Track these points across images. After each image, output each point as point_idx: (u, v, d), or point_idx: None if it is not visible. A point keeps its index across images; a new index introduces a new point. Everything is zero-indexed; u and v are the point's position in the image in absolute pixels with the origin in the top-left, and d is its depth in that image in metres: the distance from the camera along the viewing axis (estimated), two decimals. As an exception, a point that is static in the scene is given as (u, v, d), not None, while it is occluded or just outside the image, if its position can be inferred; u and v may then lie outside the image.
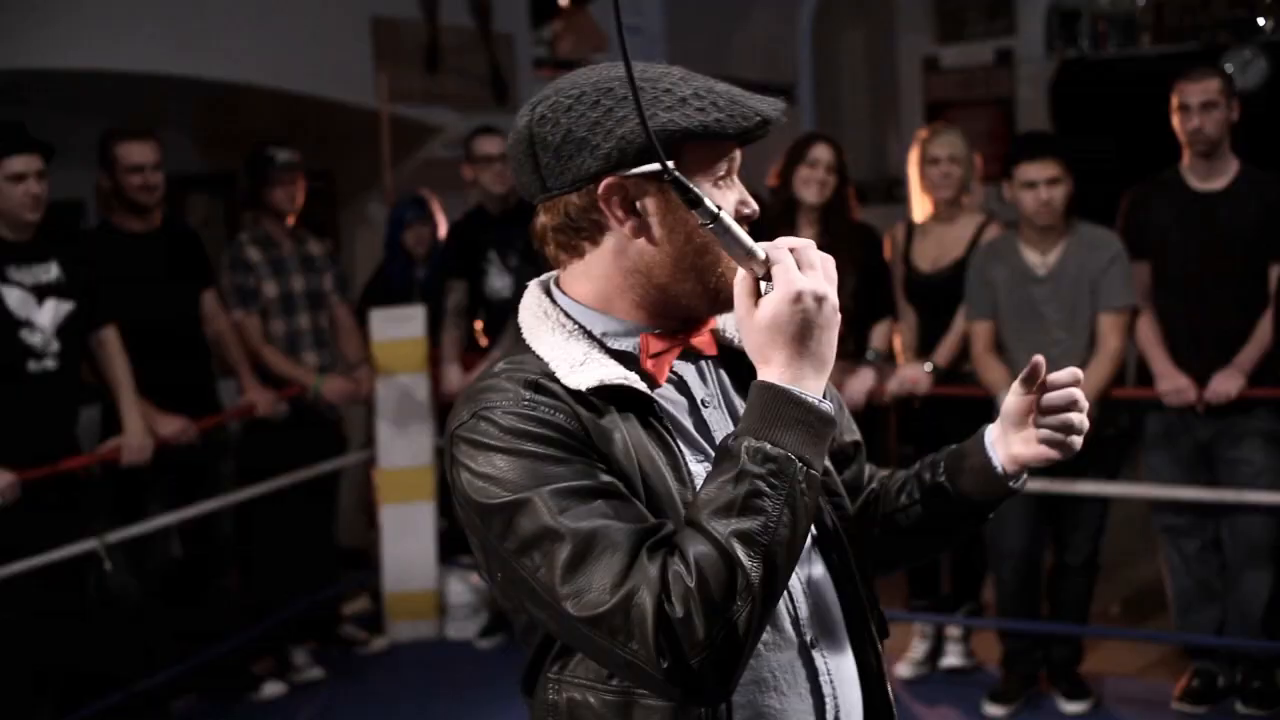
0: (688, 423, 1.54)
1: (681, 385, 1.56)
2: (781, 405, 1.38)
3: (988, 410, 4.36)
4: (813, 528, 1.54)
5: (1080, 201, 4.26)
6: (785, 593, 1.50)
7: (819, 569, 1.58)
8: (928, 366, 4.52)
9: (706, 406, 1.56)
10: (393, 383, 5.18)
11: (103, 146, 4.42)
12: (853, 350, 4.58)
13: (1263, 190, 4.20)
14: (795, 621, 1.53)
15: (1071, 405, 1.61)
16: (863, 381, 4.50)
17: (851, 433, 1.79)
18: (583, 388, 1.45)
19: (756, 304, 1.42)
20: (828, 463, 1.60)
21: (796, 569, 1.50)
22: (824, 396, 1.41)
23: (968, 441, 1.71)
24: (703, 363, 1.59)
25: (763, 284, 1.42)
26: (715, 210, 1.40)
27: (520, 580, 1.40)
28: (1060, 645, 4.41)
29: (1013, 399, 1.63)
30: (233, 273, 4.81)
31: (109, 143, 4.40)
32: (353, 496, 5.75)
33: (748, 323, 1.42)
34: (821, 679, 1.54)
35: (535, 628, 1.51)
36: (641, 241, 1.49)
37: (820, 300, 1.39)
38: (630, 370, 1.49)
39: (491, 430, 1.42)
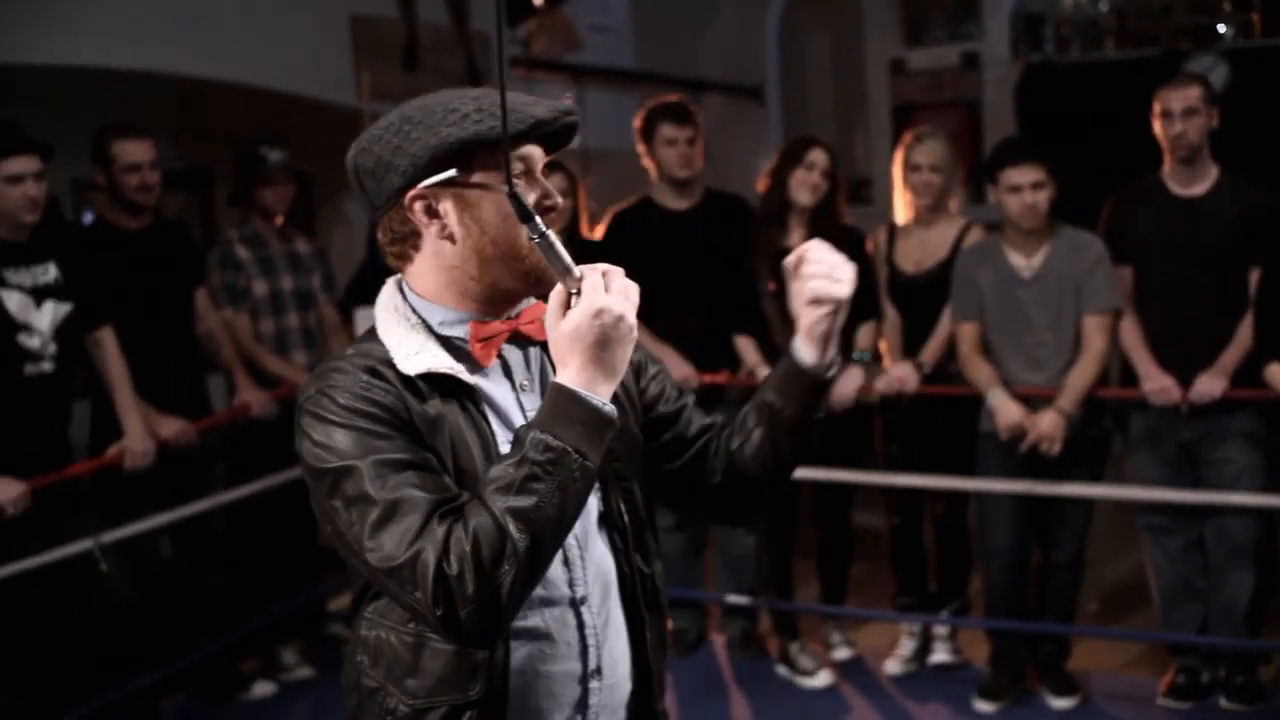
0: (507, 404, 1.77)
1: (506, 368, 1.79)
2: (569, 405, 1.60)
3: (974, 410, 4.43)
4: (598, 506, 1.82)
5: (1055, 204, 4.34)
6: (564, 556, 1.76)
7: (600, 543, 1.82)
8: (916, 366, 4.58)
9: (524, 390, 1.79)
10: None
11: (97, 143, 4.38)
12: (840, 350, 4.61)
13: (1242, 196, 4.28)
14: (570, 583, 1.78)
15: (816, 265, 1.81)
16: (851, 380, 4.56)
17: (669, 401, 1.97)
18: (413, 373, 1.69)
19: (565, 315, 1.63)
20: (619, 448, 1.79)
21: (579, 540, 1.78)
22: (611, 400, 1.63)
23: (780, 362, 1.91)
24: (531, 349, 1.82)
25: (573, 298, 1.63)
26: (543, 230, 1.63)
27: (340, 533, 1.64)
28: (1048, 642, 4.49)
29: (795, 298, 1.84)
30: (222, 271, 4.79)
31: (105, 140, 4.36)
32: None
33: (554, 330, 1.64)
34: (586, 631, 1.79)
35: (359, 573, 1.75)
36: (447, 241, 1.73)
37: (619, 319, 1.61)
38: (460, 358, 1.73)
39: (332, 406, 1.66)
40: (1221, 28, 7.41)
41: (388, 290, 1.81)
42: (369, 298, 5.42)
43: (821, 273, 1.81)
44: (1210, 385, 4.18)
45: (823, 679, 4.68)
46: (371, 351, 1.73)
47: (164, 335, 4.53)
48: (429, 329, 1.76)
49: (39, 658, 4.03)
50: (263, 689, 4.75)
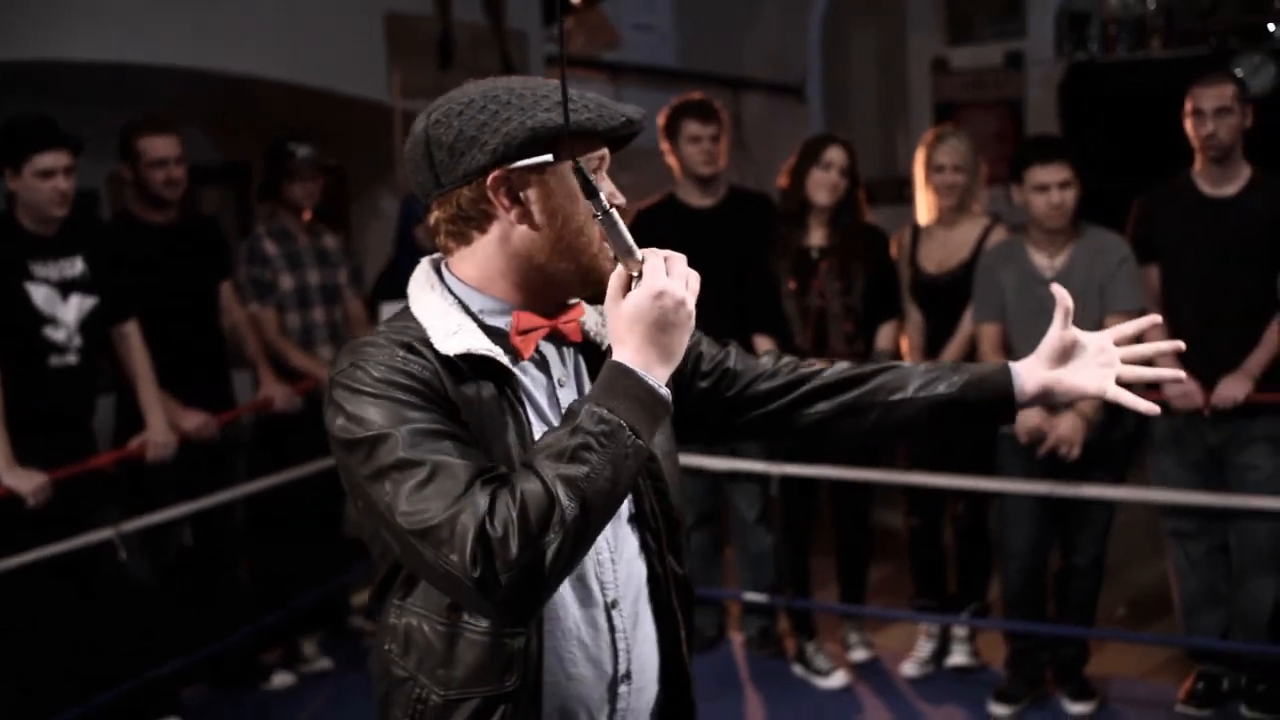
0: (542, 398, 1.75)
1: (543, 364, 1.77)
2: (626, 381, 1.59)
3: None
4: (631, 507, 1.80)
5: (1089, 204, 4.28)
6: (595, 558, 1.74)
7: (632, 544, 1.81)
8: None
9: (562, 386, 1.77)
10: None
11: (124, 138, 4.44)
12: (861, 351, 4.61)
13: (1274, 196, 4.21)
14: (601, 584, 1.75)
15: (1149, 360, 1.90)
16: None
17: (706, 376, 1.97)
18: (451, 353, 1.66)
19: (625, 296, 1.63)
20: (653, 448, 1.78)
21: (610, 542, 1.76)
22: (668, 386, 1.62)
23: (990, 368, 1.94)
24: (565, 348, 1.80)
25: (634, 281, 1.63)
26: (607, 206, 1.62)
27: (373, 504, 1.59)
28: (1066, 646, 4.44)
29: (1057, 335, 1.87)
30: (249, 265, 4.85)
31: (131, 135, 4.42)
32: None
33: (614, 310, 1.63)
34: (618, 635, 1.77)
35: (386, 556, 1.72)
36: (524, 227, 1.69)
37: (679, 303, 1.61)
38: (498, 345, 1.69)
39: (365, 378, 1.62)
40: (1271, 26, 7.30)
41: (423, 270, 1.78)
42: (397, 293, 5.49)
43: (1136, 377, 1.88)
44: (1234, 389, 4.12)
45: (839, 679, 4.66)
46: (407, 329, 1.69)
47: (188, 329, 4.59)
48: (467, 312, 1.73)
49: (60, 646, 4.10)
50: (282, 679, 4.80)
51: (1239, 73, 6.61)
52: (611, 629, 1.76)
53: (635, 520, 1.81)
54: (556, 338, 1.77)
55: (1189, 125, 4.26)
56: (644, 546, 1.82)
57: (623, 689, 1.78)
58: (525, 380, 1.73)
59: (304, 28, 5.57)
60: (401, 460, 1.55)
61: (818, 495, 4.84)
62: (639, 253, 1.63)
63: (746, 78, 8.05)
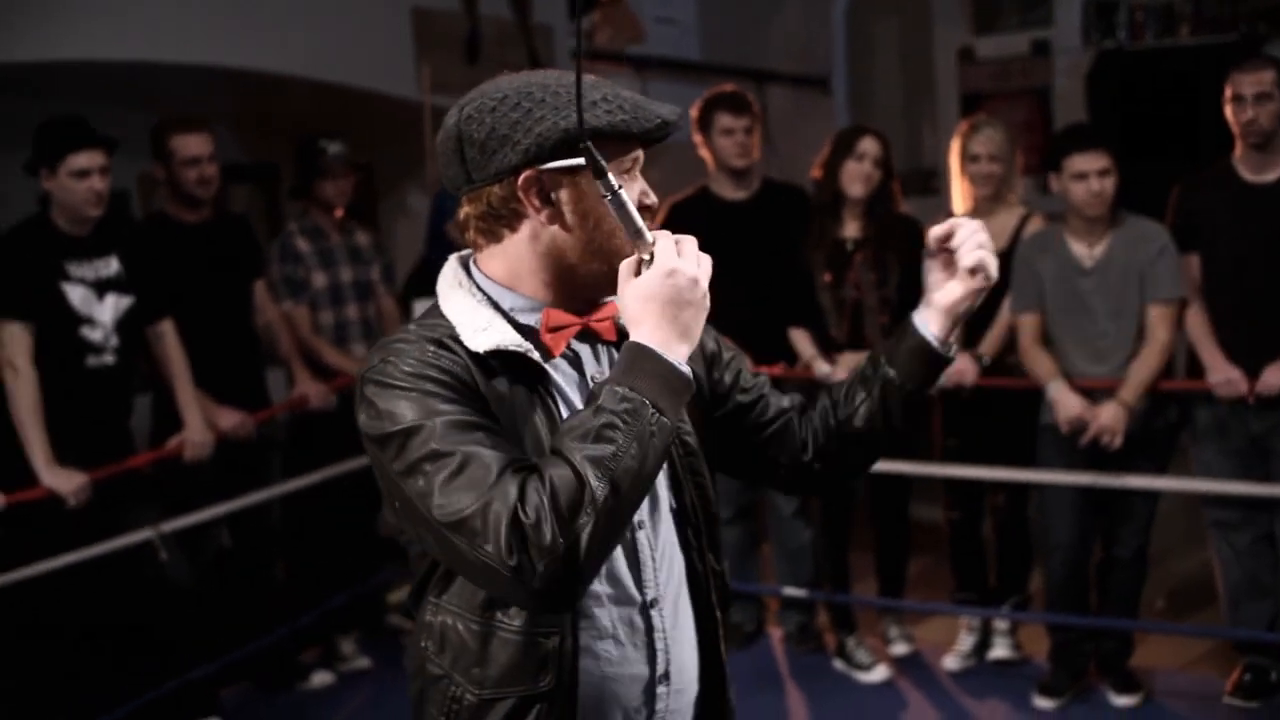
0: (574, 395, 1.73)
1: (575, 361, 1.75)
2: (644, 360, 1.57)
3: (1034, 402, 4.36)
4: (670, 501, 1.78)
5: (1119, 193, 4.25)
6: (634, 557, 1.72)
7: (671, 539, 1.79)
8: (976, 357, 4.51)
9: (595, 384, 1.69)
10: (436, 373, 5.17)
11: (156, 138, 4.43)
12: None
13: (1315, 182, 4.17)
14: (639, 582, 1.73)
15: (971, 238, 1.79)
16: (966, 361, 4.47)
17: (748, 389, 1.96)
18: (481, 350, 1.65)
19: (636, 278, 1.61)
20: (693, 442, 1.82)
21: (649, 539, 1.74)
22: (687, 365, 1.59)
23: (895, 334, 1.90)
24: (599, 346, 1.78)
25: (644, 265, 1.62)
26: (616, 187, 1.59)
27: (407, 500, 1.57)
28: (1110, 639, 4.40)
29: (931, 273, 1.84)
30: (282, 264, 4.83)
31: (163, 134, 4.41)
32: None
33: (626, 293, 1.61)
34: (656, 635, 1.74)
35: (425, 554, 1.72)
36: (555, 228, 1.67)
37: (692, 280, 1.59)
38: (529, 342, 1.68)
39: (395, 373, 1.61)
40: (1301, 12, 7.23)
41: (451, 268, 1.77)
42: (429, 289, 5.48)
43: (981, 243, 1.79)
44: (1278, 376, 4.07)
45: (880, 674, 4.63)
46: (437, 326, 1.68)
47: (223, 328, 4.58)
48: (498, 310, 1.71)
49: (101, 646, 4.10)
50: (321, 679, 4.79)
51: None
52: (649, 628, 1.74)
53: (677, 515, 1.79)
54: (590, 336, 1.75)
55: (1229, 111, 4.21)
56: (683, 542, 1.80)
57: (661, 690, 1.76)
58: (557, 377, 1.71)
59: (331, 24, 5.56)
60: (433, 452, 1.54)
61: (856, 489, 4.81)
62: (649, 235, 1.62)
63: (771, 70, 8.01)
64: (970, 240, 1.79)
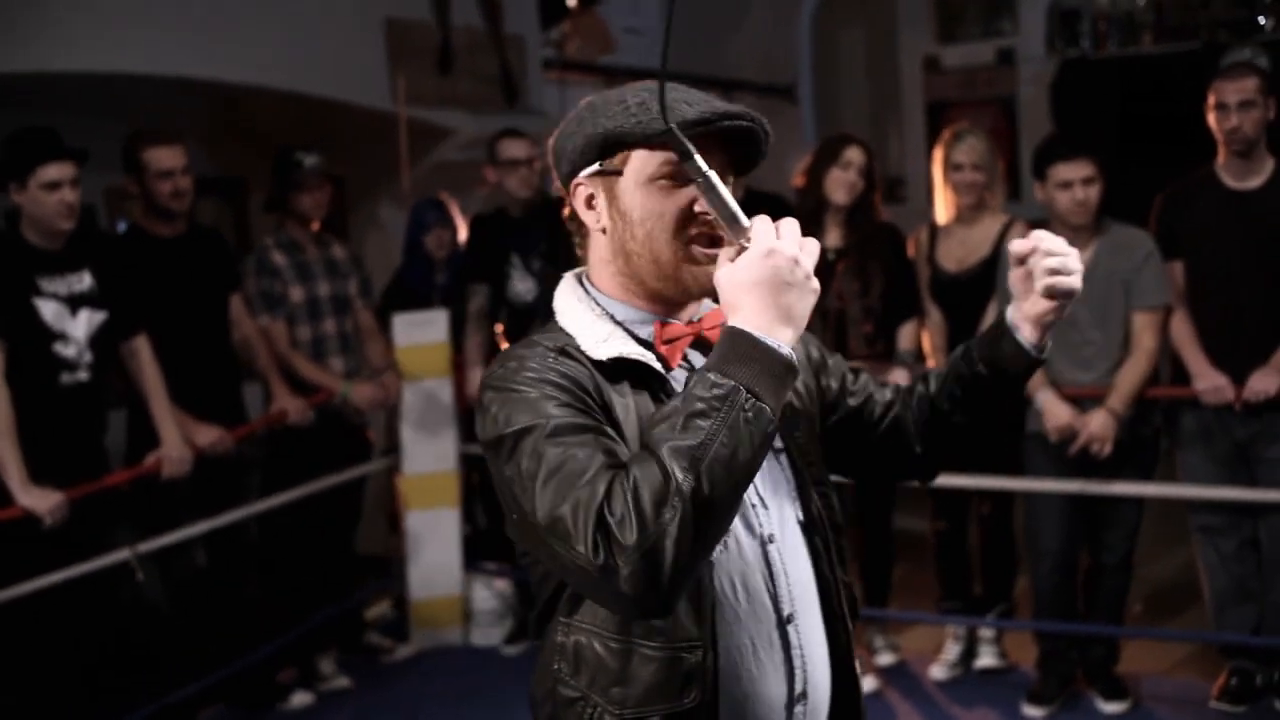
0: None
1: (693, 371, 1.64)
2: (741, 344, 1.50)
3: (1019, 410, 4.35)
4: (800, 513, 1.74)
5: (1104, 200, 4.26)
6: (768, 570, 1.68)
7: (802, 552, 1.74)
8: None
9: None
10: (416, 388, 5.13)
11: (128, 151, 4.35)
12: (883, 351, 4.57)
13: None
14: (774, 598, 1.69)
15: (1044, 261, 1.73)
16: (898, 379, 4.48)
17: (854, 392, 1.93)
18: (603, 358, 1.64)
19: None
20: (814, 451, 1.80)
21: (781, 553, 1.69)
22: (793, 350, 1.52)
23: (989, 332, 1.84)
24: None
25: (742, 252, 1.55)
26: (705, 170, 1.55)
27: (519, 508, 1.54)
28: (1096, 645, 4.40)
29: (1016, 282, 1.78)
30: (258, 278, 4.75)
31: (136, 147, 4.33)
32: (372, 503, 5.69)
33: (721, 279, 1.55)
34: (794, 652, 1.70)
35: (549, 576, 1.68)
36: (600, 231, 1.71)
37: (792, 260, 1.52)
38: (648, 352, 1.67)
39: (515, 377, 1.60)
40: (1261, 20, 7.30)
41: (568, 283, 1.77)
42: (406, 303, 5.40)
43: (1058, 266, 1.72)
44: (1265, 383, 4.09)
45: (868, 684, 4.60)
46: (558, 338, 1.67)
47: (199, 343, 4.50)
48: (615, 322, 1.71)
49: (76, 668, 4.00)
50: (300, 699, 4.71)
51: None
52: (786, 644, 1.70)
53: (804, 526, 1.75)
54: (706, 345, 1.70)
55: (1212, 119, 4.22)
56: (813, 554, 1.76)
57: (799, 710, 1.71)
58: (678, 387, 1.68)
59: (301, 35, 5.49)
60: (538, 452, 1.52)
61: (840, 499, 4.77)
62: (745, 220, 1.56)
63: (737, 79, 8.00)
64: (1041, 265, 1.73)
